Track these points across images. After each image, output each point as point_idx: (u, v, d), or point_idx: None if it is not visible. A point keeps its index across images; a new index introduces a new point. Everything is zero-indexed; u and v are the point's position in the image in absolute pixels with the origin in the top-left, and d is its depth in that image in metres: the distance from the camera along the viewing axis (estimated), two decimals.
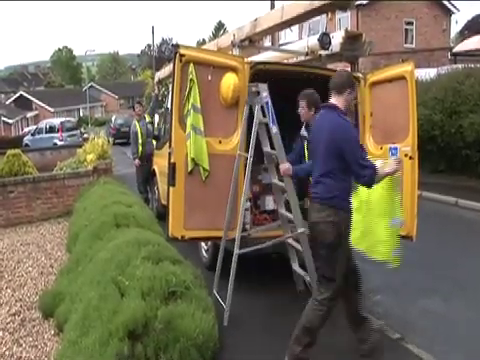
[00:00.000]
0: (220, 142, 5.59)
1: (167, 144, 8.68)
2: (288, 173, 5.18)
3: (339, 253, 4.28)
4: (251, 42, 6.50)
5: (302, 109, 5.65)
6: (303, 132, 6.05)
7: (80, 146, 15.54)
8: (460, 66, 15.25)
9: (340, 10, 5.18)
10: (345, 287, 4.46)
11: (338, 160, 4.23)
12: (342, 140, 4.22)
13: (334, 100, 4.45)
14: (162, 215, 9.29)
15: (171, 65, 10.48)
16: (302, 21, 5.96)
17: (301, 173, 5.26)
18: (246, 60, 5.79)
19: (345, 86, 4.44)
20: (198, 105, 5.36)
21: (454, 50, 22.75)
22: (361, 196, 4.81)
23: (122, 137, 35.25)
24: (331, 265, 4.30)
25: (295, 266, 5.80)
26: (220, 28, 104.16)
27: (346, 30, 6.57)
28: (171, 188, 5.36)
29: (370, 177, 4.18)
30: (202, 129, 5.39)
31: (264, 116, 5.26)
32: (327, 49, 6.24)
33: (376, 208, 4.76)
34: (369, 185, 4.28)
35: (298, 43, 6.68)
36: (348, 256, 4.45)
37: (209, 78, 5.49)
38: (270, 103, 5.16)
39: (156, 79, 12.07)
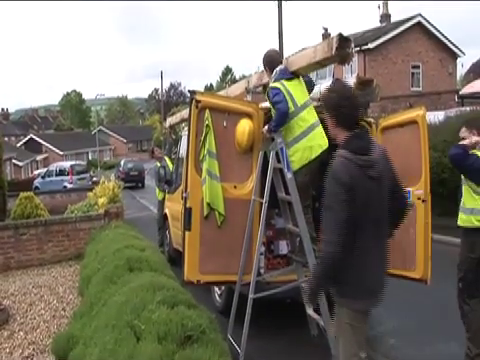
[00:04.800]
0: (235, 187, 5.63)
1: (179, 189, 8.79)
2: None
3: None
4: (264, 88, 6.62)
5: None
6: None
7: (90, 189, 15.68)
8: (468, 109, 15.37)
9: (340, 64, 5.32)
10: None
11: None
12: None
13: None
14: (173, 259, 9.31)
15: (183, 111, 10.66)
16: (308, 72, 6.07)
17: None
18: (260, 106, 5.88)
19: None
20: (214, 151, 5.42)
21: (460, 92, 22.89)
22: None
23: (131, 181, 35.47)
24: None
25: (309, 310, 5.76)
26: (227, 73, 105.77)
27: (358, 76, 6.70)
28: (187, 232, 5.38)
29: None
30: (218, 174, 5.44)
31: (279, 162, 5.33)
32: None
33: None
34: None
35: None
36: None
37: (224, 124, 5.57)
38: (285, 149, 5.23)
39: (167, 124, 12.23)
